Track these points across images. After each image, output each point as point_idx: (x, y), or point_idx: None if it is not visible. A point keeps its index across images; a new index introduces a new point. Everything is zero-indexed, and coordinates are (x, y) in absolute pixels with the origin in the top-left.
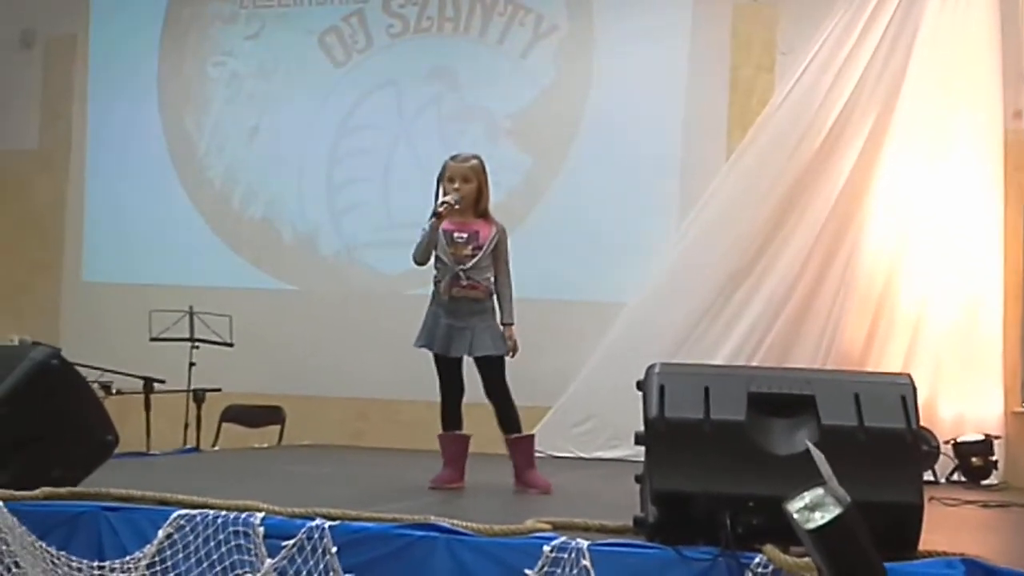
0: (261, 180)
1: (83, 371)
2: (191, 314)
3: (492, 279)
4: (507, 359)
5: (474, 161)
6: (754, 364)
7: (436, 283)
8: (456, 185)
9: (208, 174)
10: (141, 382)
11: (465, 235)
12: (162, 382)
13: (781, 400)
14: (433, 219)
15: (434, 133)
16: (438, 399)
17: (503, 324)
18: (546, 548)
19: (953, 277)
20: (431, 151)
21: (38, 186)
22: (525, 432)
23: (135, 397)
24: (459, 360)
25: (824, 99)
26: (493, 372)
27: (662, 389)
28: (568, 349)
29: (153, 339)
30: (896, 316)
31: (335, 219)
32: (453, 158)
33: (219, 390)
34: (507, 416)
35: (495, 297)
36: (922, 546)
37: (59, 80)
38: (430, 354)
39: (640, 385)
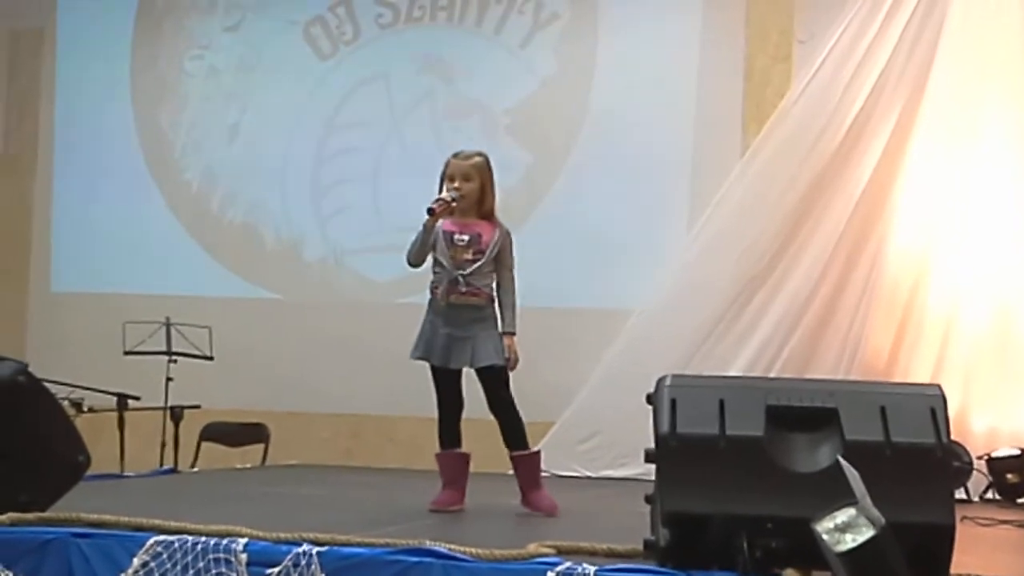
0: (242, 182)
1: (52, 387)
2: (168, 325)
3: (494, 285)
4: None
5: (477, 158)
6: (772, 376)
7: (433, 289)
8: (456, 184)
9: (185, 176)
10: (114, 399)
11: (466, 237)
12: (137, 399)
13: (802, 414)
14: (428, 217)
15: (428, 130)
16: (435, 414)
17: (503, 334)
18: (550, 574)
19: (986, 279)
20: (424, 149)
21: (2, 190)
22: (531, 448)
23: (108, 415)
24: (459, 373)
25: (846, 90)
26: (497, 383)
27: (674, 403)
28: (572, 360)
29: (127, 353)
30: (924, 322)
31: (322, 223)
32: (455, 155)
33: (198, 407)
34: (512, 431)
35: (496, 304)
36: (954, 569)
37: (25, 77)
38: (427, 366)
39: (650, 399)
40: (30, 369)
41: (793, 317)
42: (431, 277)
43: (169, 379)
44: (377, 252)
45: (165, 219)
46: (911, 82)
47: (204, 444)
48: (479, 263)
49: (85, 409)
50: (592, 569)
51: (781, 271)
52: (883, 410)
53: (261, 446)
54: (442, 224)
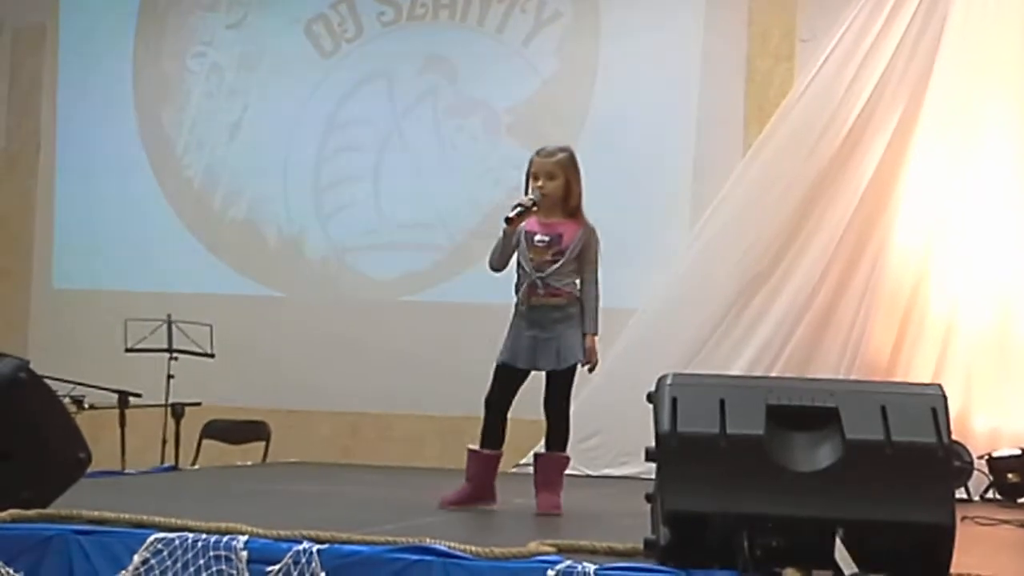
0: (244, 179)
1: (53, 384)
2: (169, 323)
3: (578, 283)
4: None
5: (561, 155)
6: (773, 375)
7: (516, 289)
8: (540, 183)
9: (187, 173)
10: (116, 396)
11: (547, 238)
12: (138, 396)
13: (802, 413)
14: (506, 225)
15: (429, 128)
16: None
17: (583, 333)
18: (550, 572)
19: (987, 279)
20: (426, 147)
21: (4, 187)
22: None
23: (109, 412)
24: (527, 375)
25: (848, 90)
26: (563, 384)
27: (674, 402)
28: None
29: (128, 350)
30: (925, 322)
31: (323, 221)
32: (538, 152)
33: (199, 404)
34: (558, 433)
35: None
36: (954, 569)
37: (26, 74)
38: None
39: (651, 397)
40: (31, 366)
41: (794, 317)
42: (515, 278)
43: (170, 376)
44: (378, 250)
45: (167, 216)
46: (913, 82)
47: (205, 441)
48: (558, 264)
49: (86, 406)
50: (592, 568)
51: (782, 271)
52: (884, 409)
53: (262, 443)
54: (525, 224)
